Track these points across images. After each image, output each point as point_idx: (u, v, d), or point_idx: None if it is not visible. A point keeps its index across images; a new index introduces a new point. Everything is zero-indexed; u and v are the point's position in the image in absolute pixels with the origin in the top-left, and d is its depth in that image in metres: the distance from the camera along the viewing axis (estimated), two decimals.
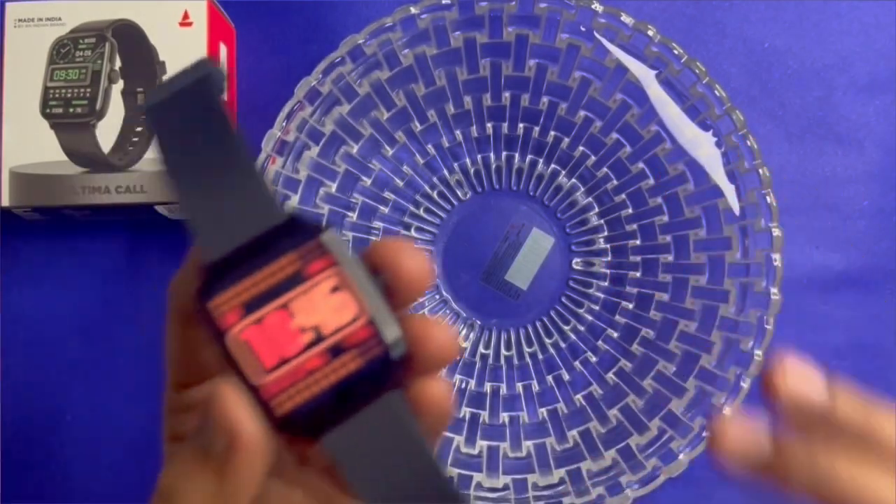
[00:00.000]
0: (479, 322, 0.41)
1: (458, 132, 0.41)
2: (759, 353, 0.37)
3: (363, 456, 0.19)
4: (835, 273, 0.41)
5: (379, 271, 0.19)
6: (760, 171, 0.38)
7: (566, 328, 0.41)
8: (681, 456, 0.37)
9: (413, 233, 0.41)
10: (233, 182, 0.19)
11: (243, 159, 0.19)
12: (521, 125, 0.41)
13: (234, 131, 0.19)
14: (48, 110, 0.39)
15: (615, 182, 0.40)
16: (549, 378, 0.40)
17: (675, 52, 0.38)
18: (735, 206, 0.38)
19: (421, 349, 0.19)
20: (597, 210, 0.41)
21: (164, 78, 0.20)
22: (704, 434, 0.37)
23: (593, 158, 0.40)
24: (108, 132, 0.39)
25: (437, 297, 0.41)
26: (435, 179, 0.41)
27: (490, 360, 0.41)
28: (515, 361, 0.41)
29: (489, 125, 0.41)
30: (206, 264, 0.19)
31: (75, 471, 0.41)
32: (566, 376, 0.40)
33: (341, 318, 0.18)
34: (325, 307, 0.19)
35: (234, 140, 0.19)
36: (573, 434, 0.39)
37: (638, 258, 0.40)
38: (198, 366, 0.24)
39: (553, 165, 0.41)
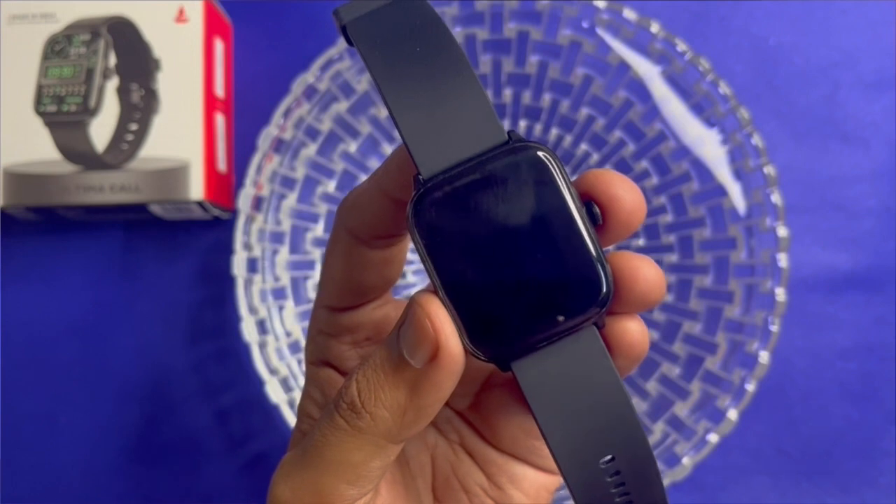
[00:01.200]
0: None
1: None
2: (764, 354, 0.36)
3: (551, 388, 0.18)
4: (841, 273, 0.41)
5: (588, 201, 0.19)
6: (766, 169, 0.37)
7: None
8: (685, 460, 0.36)
9: None
10: (453, 94, 0.18)
11: (465, 69, 0.18)
12: (522, 123, 0.40)
13: (454, 40, 0.19)
14: (41, 108, 0.39)
15: None
16: None
17: (679, 48, 0.37)
18: (740, 206, 0.38)
19: (627, 288, 0.19)
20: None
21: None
22: (709, 438, 0.36)
23: (596, 157, 0.40)
24: (102, 130, 0.39)
25: None
26: None
27: None
28: None
29: None
30: (420, 178, 0.18)
31: (70, 471, 0.41)
32: None
33: None
34: None
35: (455, 49, 0.19)
36: None
37: None
38: (359, 288, 0.23)
39: None
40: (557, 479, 0.24)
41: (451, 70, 0.18)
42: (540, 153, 0.18)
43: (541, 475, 0.24)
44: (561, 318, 0.18)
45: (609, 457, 0.19)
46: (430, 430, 0.24)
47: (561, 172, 0.18)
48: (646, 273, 0.19)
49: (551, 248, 0.18)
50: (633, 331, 0.19)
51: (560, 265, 0.18)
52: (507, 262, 0.18)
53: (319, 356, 0.24)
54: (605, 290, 0.18)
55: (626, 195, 0.18)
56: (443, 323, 0.18)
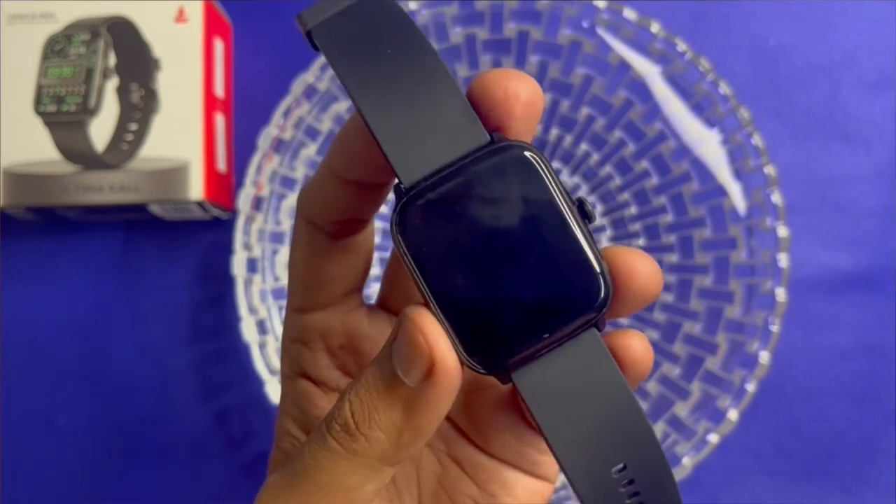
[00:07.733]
0: None
1: None
2: (764, 354, 0.36)
3: (556, 397, 0.18)
4: (842, 273, 0.41)
5: (580, 199, 0.18)
6: (766, 169, 0.37)
7: None
8: (685, 460, 0.36)
9: None
10: (429, 96, 0.17)
11: (439, 69, 0.18)
12: None
13: (425, 39, 0.18)
14: (41, 108, 0.39)
15: (618, 181, 0.40)
16: None
17: (680, 48, 0.37)
18: (740, 206, 0.38)
19: (624, 285, 0.18)
20: (600, 209, 0.40)
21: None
22: (709, 438, 0.36)
23: (596, 157, 0.40)
24: (102, 130, 0.39)
25: None
26: None
27: None
28: None
29: None
30: (402, 187, 0.17)
31: (70, 471, 0.41)
32: None
33: None
34: None
35: (427, 48, 0.18)
36: None
37: None
38: (324, 281, 0.22)
39: (555, 164, 0.40)
40: (552, 486, 0.24)
41: (424, 71, 0.18)
42: (525, 152, 0.17)
43: (535, 481, 0.23)
44: (560, 323, 0.17)
45: (621, 465, 0.18)
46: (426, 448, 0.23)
47: (548, 171, 0.17)
48: (642, 268, 0.18)
49: (544, 251, 0.17)
50: (636, 346, 0.19)
51: (555, 267, 0.17)
52: (500, 268, 0.17)
53: (294, 367, 0.23)
54: (603, 289, 0.17)
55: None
56: (437, 338, 0.17)
